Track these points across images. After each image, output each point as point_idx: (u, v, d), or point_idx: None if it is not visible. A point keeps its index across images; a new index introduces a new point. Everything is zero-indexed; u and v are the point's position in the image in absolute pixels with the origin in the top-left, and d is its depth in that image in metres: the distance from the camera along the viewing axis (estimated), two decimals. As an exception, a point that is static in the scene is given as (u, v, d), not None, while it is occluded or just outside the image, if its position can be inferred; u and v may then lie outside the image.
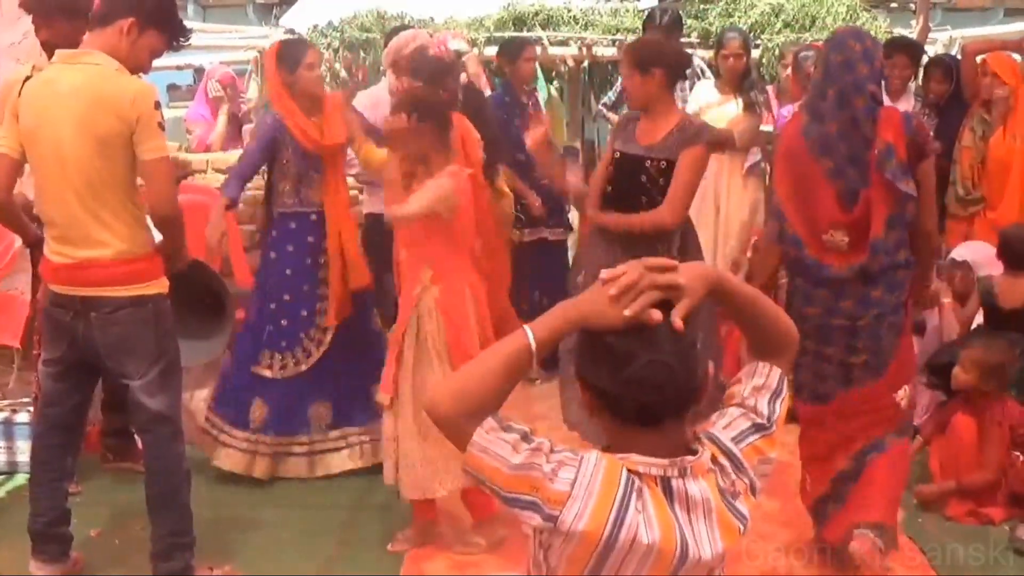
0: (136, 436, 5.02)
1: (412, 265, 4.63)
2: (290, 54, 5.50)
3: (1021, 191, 6.73)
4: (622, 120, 5.24)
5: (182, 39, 4.28)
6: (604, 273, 1.97)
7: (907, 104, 7.08)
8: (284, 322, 5.58)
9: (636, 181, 4.94)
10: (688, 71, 7.50)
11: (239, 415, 5.57)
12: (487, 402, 1.96)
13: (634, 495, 1.91)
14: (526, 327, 1.98)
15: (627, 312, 1.92)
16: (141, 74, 4.27)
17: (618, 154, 5.05)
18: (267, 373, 5.58)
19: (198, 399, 6.06)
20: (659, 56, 4.93)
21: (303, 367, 5.57)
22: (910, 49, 7.36)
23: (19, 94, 4.04)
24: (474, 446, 1.93)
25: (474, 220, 4.71)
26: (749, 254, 6.72)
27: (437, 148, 4.54)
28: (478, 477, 1.95)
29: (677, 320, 1.92)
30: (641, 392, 1.94)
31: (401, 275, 4.73)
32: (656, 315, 1.92)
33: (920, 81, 7.63)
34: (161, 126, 4.02)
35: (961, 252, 6.26)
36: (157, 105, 4.03)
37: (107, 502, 5.23)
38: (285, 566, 4.67)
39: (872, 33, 9.35)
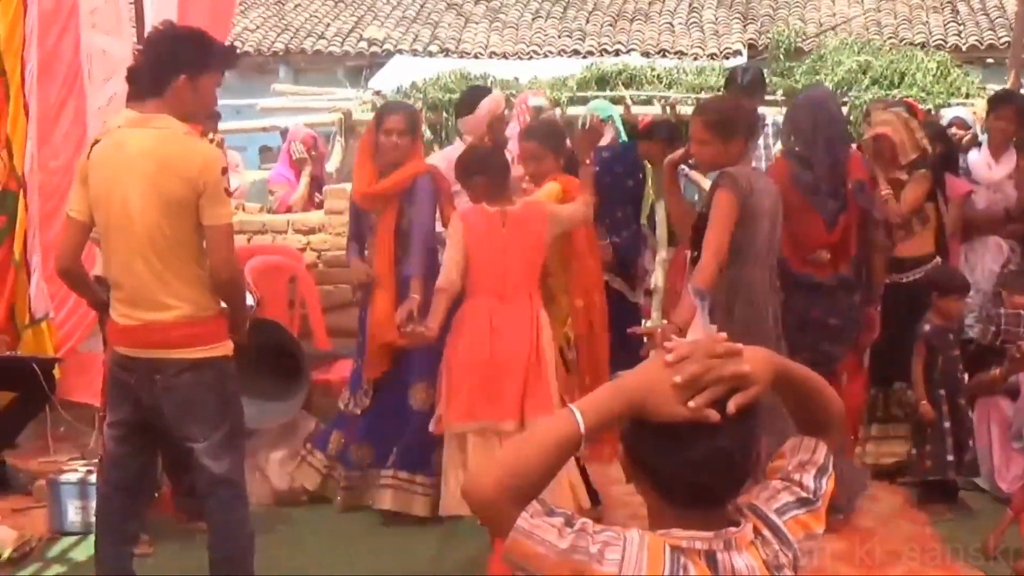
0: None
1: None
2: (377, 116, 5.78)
3: None
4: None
5: (231, 59, 4.32)
6: (667, 347, 1.88)
7: (1009, 161, 6.84)
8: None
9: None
10: (771, 129, 7.44)
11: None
12: (532, 486, 1.86)
13: (680, 572, 1.83)
14: (574, 408, 1.87)
15: (691, 405, 1.82)
16: (221, 139, 4.30)
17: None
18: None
19: (273, 461, 6.06)
20: (745, 122, 4.90)
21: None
22: (1016, 103, 7.08)
23: (88, 157, 4.09)
24: (518, 531, 1.83)
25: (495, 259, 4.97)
26: None
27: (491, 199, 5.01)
28: (520, 564, 1.86)
29: (732, 407, 1.83)
30: (697, 477, 1.86)
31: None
32: (714, 415, 1.82)
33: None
34: (227, 192, 4.04)
35: None
36: (224, 171, 4.06)
37: (178, 564, 5.20)
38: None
39: (963, 89, 9.28)
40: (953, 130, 7.38)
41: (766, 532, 1.95)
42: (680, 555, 1.85)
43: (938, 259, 6.19)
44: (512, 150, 6.02)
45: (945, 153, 6.66)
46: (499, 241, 4.91)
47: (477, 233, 4.95)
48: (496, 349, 4.83)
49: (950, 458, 5.71)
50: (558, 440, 1.86)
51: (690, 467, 1.85)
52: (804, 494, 2.01)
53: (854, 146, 7.35)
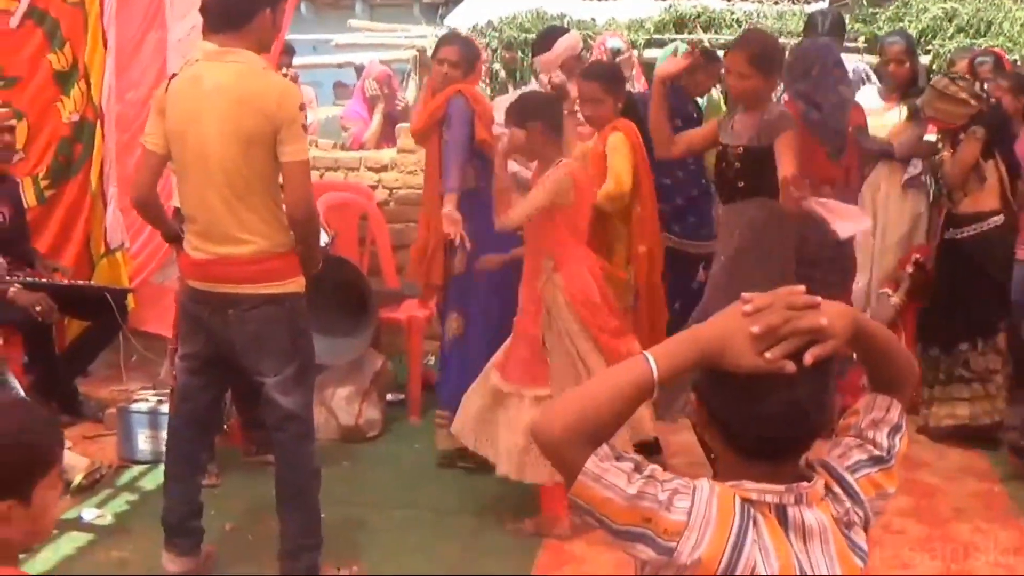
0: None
1: (533, 258, 4.81)
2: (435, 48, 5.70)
3: None
4: (725, 118, 5.16)
5: None
6: (745, 298, 1.85)
7: None
8: None
9: (723, 169, 5.06)
10: (851, 76, 7.26)
11: None
12: (602, 430, 1.84)
13: (750, 525, 1.81)
14: (648, 355, 1.85)
15: (768, 355, 1.80)
16: (295, 74, 4.28)
17: (720, 147, 5.09)
18: None
19: (339, 397, 6.10)
20: (782, 59, 5.01)
21: None
22: None
23: (165, 90, 4.09)
24: (587, 475, 1.82)
25: (590, 210, 4.89)
26: (910, 269, 6.46)
27: (549, 147, 4.81)
28: (586, 507, 1.84)
29: (809, 358, 1.80)
30: (770, 430, 1.84)
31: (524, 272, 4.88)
32: (791, 367, 1.80)
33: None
34: (305, 128, 4.03)
35: None
36: (302, 107, 4.04)
37: (245, 496, 5.29)
38: (410, 569, 4.65)
39: None
40: None
41: (837, 489, 1.94)
42: (750, 507, 1.84)
43: (1001, 216, 5.99)
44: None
45: None
46: (590, 197, 4.90)
47: (586, 186, 4.88)
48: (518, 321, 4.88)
49: None
50: (631, 386, 1.84)
51: (763, 419, 1.83)
52: (877, 452, 2.00)
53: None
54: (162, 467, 4.63)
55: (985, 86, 6.20)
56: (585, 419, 1.82)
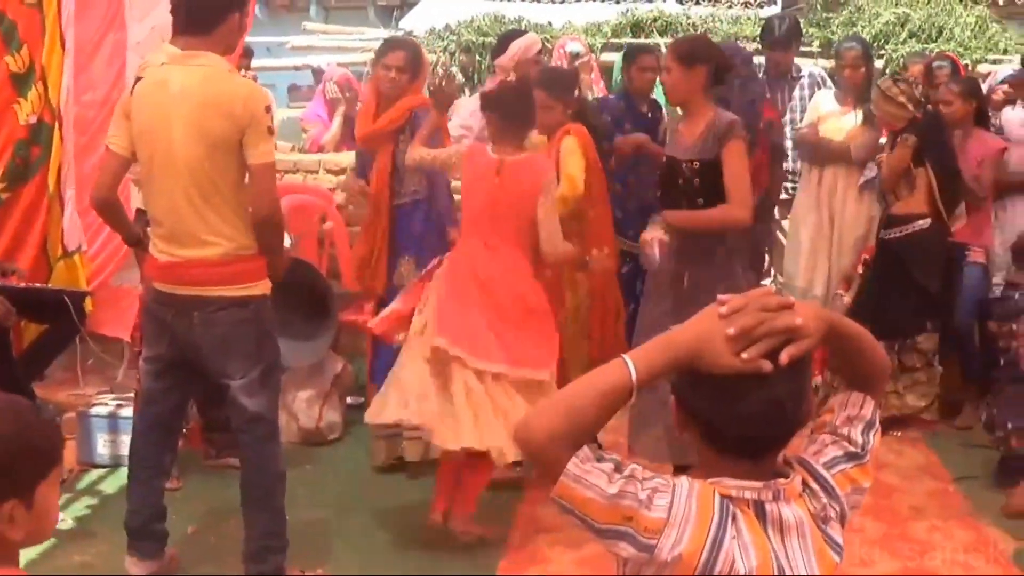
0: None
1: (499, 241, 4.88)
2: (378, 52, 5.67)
3: None
4: (670, 123, 5.18)
5: None
6: (721, 300, 1.89)
7: None
8: None
9: (677, 183, 4.99)
10: (807, 80, 7.35)
11: None
12: (584, 433, 1.88)
13: (729, 520, 1.86)
14: (627, 358, 1.88)
15: (744, 356, 1.84)
16: (254, 76, 4.29)
17: (665, 157, 5.12)
18: None
19: (300, 400, 6.10)
20: (706, 53, 4.94)
21: None
22: None
23: (131, 92, 4.08)
24: (568, 476, 1.85)
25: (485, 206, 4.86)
26: (860, 270, 6.59)
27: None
28: (569, 508, 1.87)
29: (785, 357, 1.84)
30: (749, 429, 1.88)
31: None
32: (767, 366, 1.83)
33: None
34: (271, 130, 4.03)
35: None
36: (268, 109, 4.05)
37: (206, 499, 5.28)
38: (375, 571, 4.65)
39: (1001, 45, 9.16)
40: (999, 92, 7.26)
41: (814, 485, 1.98)
42: (729, 503, 1.88)
43: (928, 220, 6.17)
44: None
45: (978, 110, 6.63)
46: (491, 189, 4.79)
47: (471, 175, 4.89)
48: (481, 300, 4.75)
49: None
50: (611, 389, 1.87)
51: (742, 418, 1.87)
52: (852, 448, 2.04)
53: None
54: (122, 471, 4.62)
55: (922, 91, 6.33)
56: (570, 422, 1.86)
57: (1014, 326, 5.74)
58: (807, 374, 1.92)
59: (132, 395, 5.82)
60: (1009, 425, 5.54)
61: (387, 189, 5.60)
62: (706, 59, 4.87)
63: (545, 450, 1.87)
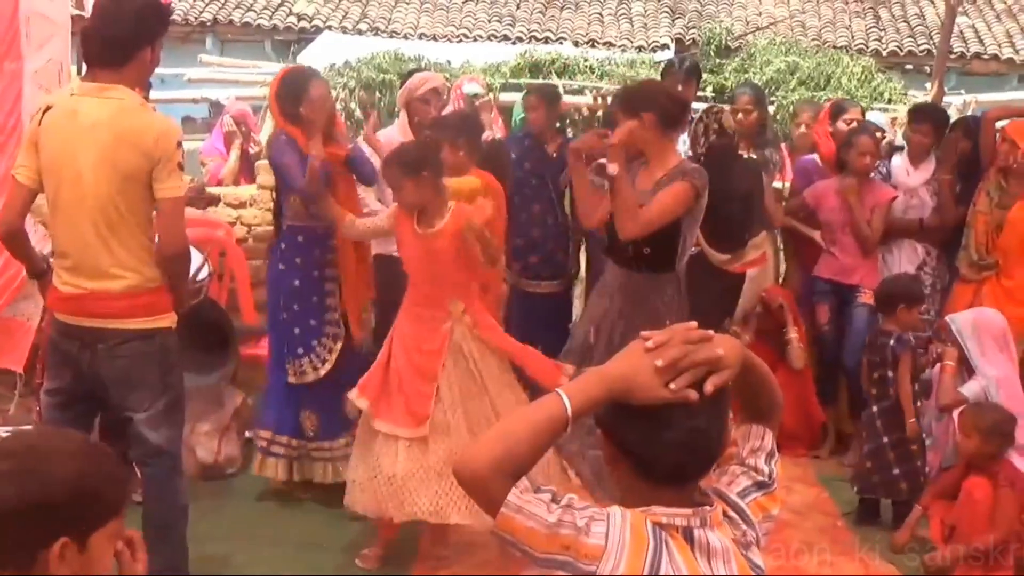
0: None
1: (431, 304, 4.82)
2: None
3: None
4: (633, 165, 4.98)
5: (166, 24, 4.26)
6: (645, 336, 1.99)
7: (927, 169, 7.00)
8: (296, 331, 5.59)
9: None
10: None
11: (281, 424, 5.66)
12: (523, 465, 1.96)
13: (663, 547, 1.95)
14: (561, 393, 1.97)
15: (673, 387, 1.94)
16: (156, 107, 4.29)
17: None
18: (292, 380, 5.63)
19: (199, 433, 6.05)
20: (651, 100, 4.80)
21: (321, 373, 5.59)
22: (934, 117, 7.25)
23: (39, 124, 4.06)
24: (509, 507, 1.92)
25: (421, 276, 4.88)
26: (758, 309, 6.74)
27: (434, 196, 4.78)
28: (510, 539, 1.94)
29: (710, 387, 1.95)
30: (676, 455, 1.98)
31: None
32: (693, 395, 1.95)
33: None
34: (180, 166, 4.04)
35: (965, 316, 6.17)
36: (179, 144, 4.06)
37: (104, 533, 5.19)
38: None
39: (886, 94, 9.50)
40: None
41: (732, 514, 2.08)
42: (661, 531, 1.97)
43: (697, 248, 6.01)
44: None
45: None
46: (419, 256, 4.83)
47: (406, 248, 4.90)
48: (413, 362, 4.80)
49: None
50: (547, 422, 1.96)
51: (670, 446, 1.97)
52: (760, 478, 2.16)
53: (783, 145, 7.62)
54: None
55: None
56: (509, 454, 1.93)
57: (889, 373, 5.84)
58: (727, 403, 2.03)
59: (26, 427, 5.74)
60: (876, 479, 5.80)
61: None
62: (650, 106, 4.75)
63: (484, 481, 1.94)
